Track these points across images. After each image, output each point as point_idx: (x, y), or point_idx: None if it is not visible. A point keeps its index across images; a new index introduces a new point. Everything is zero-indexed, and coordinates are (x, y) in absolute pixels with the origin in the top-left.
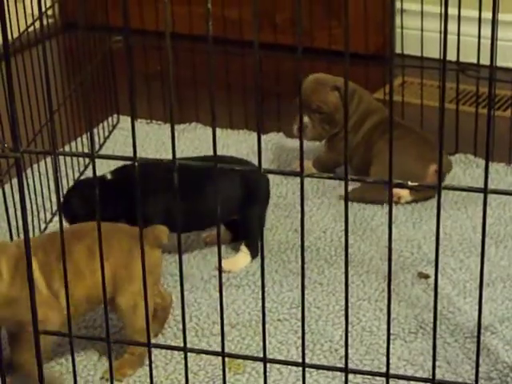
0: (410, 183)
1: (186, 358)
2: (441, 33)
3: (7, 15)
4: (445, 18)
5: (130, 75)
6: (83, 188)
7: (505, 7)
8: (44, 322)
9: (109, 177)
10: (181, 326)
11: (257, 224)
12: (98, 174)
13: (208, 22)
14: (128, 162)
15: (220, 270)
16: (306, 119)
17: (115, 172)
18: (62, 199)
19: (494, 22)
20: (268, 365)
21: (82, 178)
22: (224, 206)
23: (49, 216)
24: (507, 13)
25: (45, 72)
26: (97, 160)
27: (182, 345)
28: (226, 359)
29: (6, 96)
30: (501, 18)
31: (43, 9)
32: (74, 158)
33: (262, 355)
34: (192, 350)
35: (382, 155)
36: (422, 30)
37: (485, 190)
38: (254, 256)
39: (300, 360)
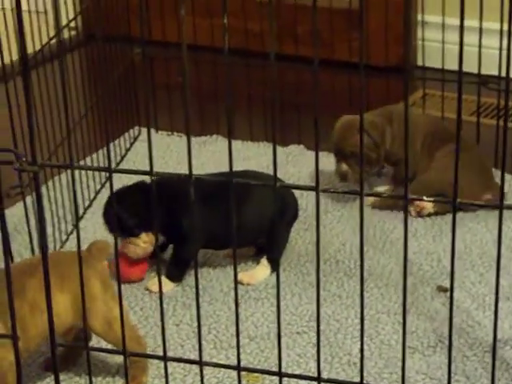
0: (425, 198)
1: (201, 372)
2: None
3: (29, 28)
4: (460, 29)
5: (147, 86)
6: (125, 197)
7: None
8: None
9: (147, 182)
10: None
11: (282, 241)
12: (127, 183)
13: (224, 35)
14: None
15: (236, 282)
16: (344, 167)
17: (157, 179)
18: (103, 210)
19: (511, 34)
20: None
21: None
22: (259, 224)
23: (70, 228)
24: None
25: (62, 86)
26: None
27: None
28: (244, 372)
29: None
30: None
31: (65, 21)
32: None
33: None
34: (207, 364)
35: (439, 164)
36: (443, 43)
37: (501, 206)
38: (274, 270)
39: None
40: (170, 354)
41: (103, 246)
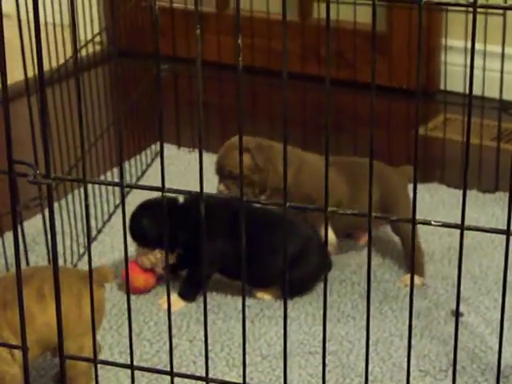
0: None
1: None
2: (484, 70)
3: (53, 42)
4: (471, 53)
5: (159, 104)
6: (152, 208)
7: None
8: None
9: (181, 200)
10: (211, 355)
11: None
12: (139, 201)
13: (238, 55)
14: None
15: (243, 302)
16: (221, 187)
17: (188, 198)
18: (131, 214)
19: None
20: None
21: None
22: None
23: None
24: None
25: (77, 102)
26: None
27: (212, 374)
28: None
29: (41, 122)
30: None
31: (90, 36)
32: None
33: None
34: (214, 381)
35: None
36: (465, 67)
37: (507, 232)
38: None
39: None
40: (182, 370)
41: (105, 272)
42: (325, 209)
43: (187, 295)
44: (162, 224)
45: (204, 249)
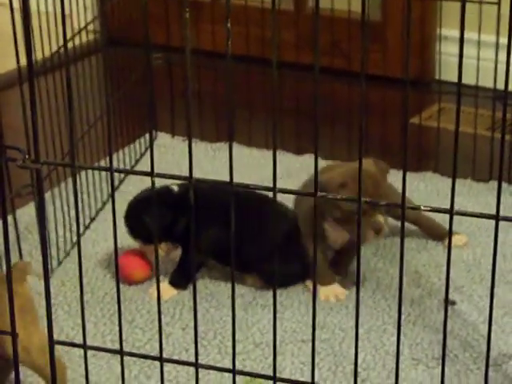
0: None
1: (197, 373)
2: (478, 60)
3: (47, 30)
4: (460, 42)
5: (150, 92)
6: (150, 203)
7: None
8: None
9: (175, 189)
10: (205, 343)
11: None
12: (132, 189)
13: (228, 40)
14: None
15: (233, 290)
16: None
17: (182, 186)
18: (125, 214)
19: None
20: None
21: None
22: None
23: (81, 229)
24: None
25: (67, 88)
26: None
27: (204, 361)
28: (248, 378)
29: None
30: None
31: (83, 24)
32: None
33: (283, 375)
34: (203, 366)
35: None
36: (460, 56)
37: (496, 217)
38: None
39: (322, 381)
40: (175, 357)
41: (23, 268)
42: (359, 199)
43: (178, 283)
44: (162, 216)
45: (194, 235)
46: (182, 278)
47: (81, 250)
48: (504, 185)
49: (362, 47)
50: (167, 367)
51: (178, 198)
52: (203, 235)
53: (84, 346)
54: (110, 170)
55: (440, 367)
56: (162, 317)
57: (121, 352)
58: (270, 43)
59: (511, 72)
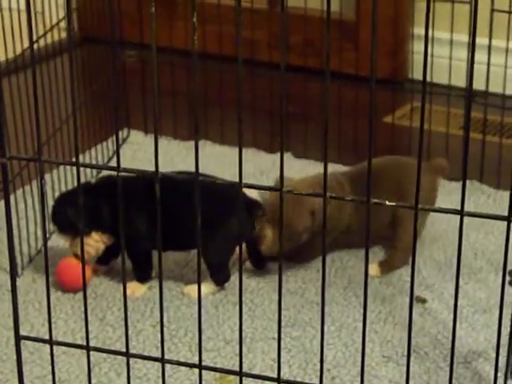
0: (388, 202)
1: (163, 369)
2: (451, 59)
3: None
4: (425, 40)
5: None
6: (72, 197)
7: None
8: None
9: (92, 182)
10: (175, 340)
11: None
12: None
13: (194, 35)
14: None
15: (199, 287)
16: (269, 232)
17: (101, 178)
18: (51, 211)
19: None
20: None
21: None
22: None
23: (51, 227)
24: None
25: (33, 81)
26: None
27: (175, 358)
28: (218, 375)
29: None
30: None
31: (55, 21)
32: (83, 170)
33: (254, 372)
34: (169, 361)
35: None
36: (432, 56)
37: (461, 212)
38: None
39: (292, 378)
40: (145, 354)
41: None
42: (415, 205)
43: (142, 277)
44: (85, 207)
45: (122, 227)
46: (141, 270)
47: (47, 246)
48: (476, 183)
49: (324, 44)
50: (137, 364)
51: (95, 188)
52: (134, 223)
53: (50, 342)
54: (76, 164)
55: (410, 365)
56: (132, 314)
57: (87, 347)
58: (244, 42)
59: (476, 70)
